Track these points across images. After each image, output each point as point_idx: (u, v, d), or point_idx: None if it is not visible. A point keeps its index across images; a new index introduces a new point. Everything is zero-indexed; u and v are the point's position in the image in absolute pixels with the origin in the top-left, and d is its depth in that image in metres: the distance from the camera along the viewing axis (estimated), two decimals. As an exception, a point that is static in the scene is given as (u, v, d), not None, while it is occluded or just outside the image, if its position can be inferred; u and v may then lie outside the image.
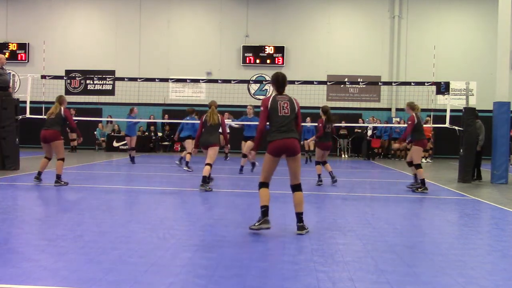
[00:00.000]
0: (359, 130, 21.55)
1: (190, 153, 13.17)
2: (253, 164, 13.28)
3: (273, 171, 5.83)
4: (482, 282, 4.09)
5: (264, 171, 5.80)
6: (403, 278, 4.09)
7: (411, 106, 10.27)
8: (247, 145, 13.03)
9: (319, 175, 10.78)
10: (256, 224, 5.70)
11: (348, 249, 5.08)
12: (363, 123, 21.24)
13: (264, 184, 5.80)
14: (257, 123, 12.36)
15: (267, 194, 5.77)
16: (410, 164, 10.29)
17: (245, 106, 14.97)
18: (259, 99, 23.27)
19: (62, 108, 9.68)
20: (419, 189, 9.79)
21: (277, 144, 5.66)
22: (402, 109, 22.11)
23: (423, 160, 20.25)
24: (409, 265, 4.51)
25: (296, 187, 5.83)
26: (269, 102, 5.76)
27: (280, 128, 5.69)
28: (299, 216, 5.84)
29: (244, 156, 12.99)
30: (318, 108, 13.12)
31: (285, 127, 5.70)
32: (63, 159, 9.56)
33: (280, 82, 5.90)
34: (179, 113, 22.32)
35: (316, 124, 12.37)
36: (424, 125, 19.20)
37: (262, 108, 5.81)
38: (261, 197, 5.76)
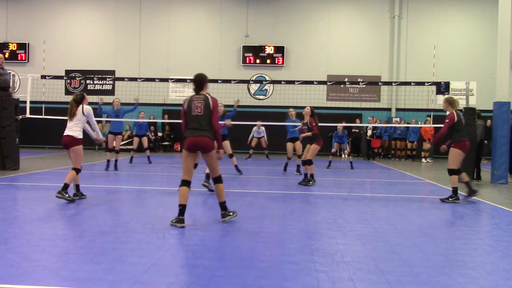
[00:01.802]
0: (357, 130, 21.57)
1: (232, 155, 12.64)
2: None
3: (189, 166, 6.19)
4: (482, 282, 4.09)
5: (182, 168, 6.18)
6: (403, 278, 4.09)
7: (450, 102, 8.80)
8: (292, 147, 13.25)
9: (312, 175, 10.75)
10: (173, 221, 6.01)
11: (348, 249, 5.08)
12: (360, 123, 21.24)
13: (184, 182, 6.12)
14: (296, 124, 12.49)
15: (185, 193, 6.06)
16: (449, 172, 8.91)
17: (245, 106, 15.00)
18: (259, 99, 23.32)
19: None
20: (450, 199, 8.65)
21: (188, 141, 6.08)
22: (402, 109, 22.15)
23: (423, 160, 20.28)
24: (409, 265, 4.50)
25: (216, 180, 6.28)
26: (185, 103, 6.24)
27: (191, 126, 6.10)
28: (222, 205, 6.31)
29: (289, 159, 13.31)
30: (318, 108, 13.19)
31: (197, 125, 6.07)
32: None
33: (197, 82, 6.39)
34: (179, 113, 22.36)
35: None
36: (424, 125, 19.43)
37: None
38: (180, 195, 6.06)
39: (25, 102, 13.83)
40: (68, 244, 5.00)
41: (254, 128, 18.98)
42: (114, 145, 13.42)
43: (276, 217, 6.83)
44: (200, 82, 6.37)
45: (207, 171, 8.95)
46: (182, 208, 5.97)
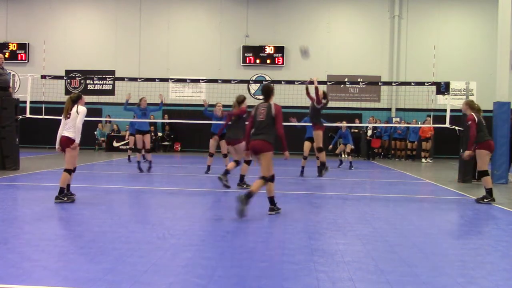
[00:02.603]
0: (356, 130, 21.57)
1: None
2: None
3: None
4: (482, 282, 4.09)
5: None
6: (403, 278, 4.09)
7: (470, 105, 8.84)
8: (309, 146, 12.93)
9: (323, 163, 11.04)
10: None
11: (348, 249, 5.08)
12: (360, 123, 21.24)
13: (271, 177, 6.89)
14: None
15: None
16: (480, 174, 8.76)
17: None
18: (259, 99, 23.27)
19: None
20: (484, 200, 8.49)
21: (250, 145, 6.93)
22: (402, 109, 22.15)
23: (423, 160, 20.27)
24: (409, 265, 4.51)
25: (269, 179, 6.83)
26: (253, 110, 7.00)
27: (253, 131, 6.93)
28: (271, 200, 6.93)
29: (305, 158, 12.87)
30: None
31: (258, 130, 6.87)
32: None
33: (264, 92, 7.07)
34: (179, 113, 22.38)
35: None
36: (424, 125, 19.43)
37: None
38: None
39: (25, 102, 13.81)
40: (68, 244, 5.00)
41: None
42: (138, 145, 13.09)
43: (276, 217, 6.83)
44: (267, 92, 7.06)
45: (229, 167, 9.45)
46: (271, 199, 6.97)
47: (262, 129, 6.82)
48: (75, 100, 7.85)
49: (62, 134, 7.73)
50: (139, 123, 13.09)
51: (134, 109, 13.28)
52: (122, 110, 13.23)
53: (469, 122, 8.54)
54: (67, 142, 7.67)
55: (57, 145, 7.84)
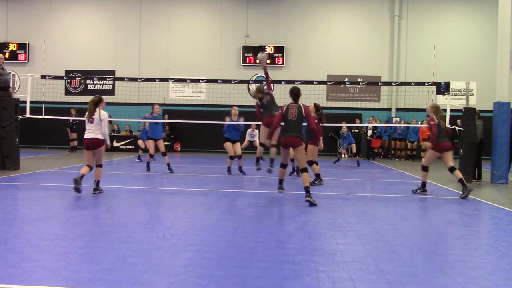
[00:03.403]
0: (356, 130, 21.57)
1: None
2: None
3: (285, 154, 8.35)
4: (482, 282, 4.09)
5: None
6: (403, 278, 4.09)
7: (435, 109, 9.76)
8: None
9: (318, 175, 10.68)
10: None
11: (348, 249, 5.08)
12: (360, 123, 21.24)
13: (282, 165, 8.43)
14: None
15: (283, 172, 8.52)
16: (422, 168, 9.88)
17: (245, 106, 14.96)
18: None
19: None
20: (418, 191, 9.65)
21: (282, 140, 8.10)
22: (402, 109, 22.15)
23: (423, 160, 20.26)
24: (409, 265, 4.51)
25: (302, 170, 8.03)
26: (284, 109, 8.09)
27: (286, 128, 8.03)
28: (306, 189, 7.75)
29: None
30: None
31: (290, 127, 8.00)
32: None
33: (294, 94, 8.09)
34: (179, 113, 22.38)
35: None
36: (424, 125, 19.41)
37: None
38: (279, 173, 8.60)
39: (25, 102, 13.81)
40: (68, 244, 5.00)
41: (248, 131, 18.51)
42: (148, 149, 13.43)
43: (276, 217, 6.84)
44: (297, 93, 8.10)
45: (258, 155, 10.26)
46: (280, 181, 8.51)
47: (294, 127, 7.92)
48: (96, 103, 8.52)
49: (90, 137, 8.51)
50: (152, 130, 13.25)
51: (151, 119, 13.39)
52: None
53: (431, 123, 9.62)
54: (96, 143, 8.52)
55: (85, 147, 8.69)
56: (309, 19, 23.47)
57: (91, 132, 8.48)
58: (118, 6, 23.91)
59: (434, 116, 9.59)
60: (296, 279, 4.01)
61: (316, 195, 9.25)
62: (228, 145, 12.93)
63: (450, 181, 12.21)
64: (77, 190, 8.24)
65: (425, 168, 9.74)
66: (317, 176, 10.68)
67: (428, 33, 22.98)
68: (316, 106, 10.89)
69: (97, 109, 8.46)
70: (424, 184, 9.65)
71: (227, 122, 13.27)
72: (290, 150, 8.38)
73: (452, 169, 9.45)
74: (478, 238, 6.00)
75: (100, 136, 8.50)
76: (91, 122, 8.45)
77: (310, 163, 10.63)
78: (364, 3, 23.39)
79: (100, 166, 8.73)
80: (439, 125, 9.54)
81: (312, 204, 7.61)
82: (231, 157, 12.90)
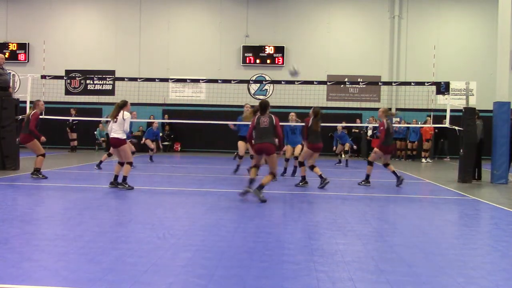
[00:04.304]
0: (357, 130, 21.56)
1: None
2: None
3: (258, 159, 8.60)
4: (482, 282, 4.09)
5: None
6: (403, 278, 4.09)
7: (385, 113, 10.95)
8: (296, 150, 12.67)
9: (303, 177, 10.54)
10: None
11: (348, 249, 5.08)
12: (360, 123, 21.23)
13: (254, 166, 8.65)
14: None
15: (254, 172, 8.49)
16: (368, 163, 11.21)
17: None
18: (259, 99, 23.25)
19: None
20: (362, 182, 10.86)
21: (256, 147, 8.46)
22: (402, 109, 22.14)
23: (423, 160, 20.28)
24: (409, 265, 4.51)
25: (271, 174, 8.36)
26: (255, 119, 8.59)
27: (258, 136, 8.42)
28: (262, 186, 8.05)
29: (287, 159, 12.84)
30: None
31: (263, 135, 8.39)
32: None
33: (262, 107, 8.54)
34: (179, 113, 22.39)
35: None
36: (424, 125, 19.43)
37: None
38: (251, 173, 8.59)
39: (25, 102, 13.79)
40: (68, 244, 5.00)
41: None
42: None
43: (276, 217, 6.84)
44: (265, 107, 8.54)
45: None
46: (251, 180, 8.28)
47: (267, 134, 8.33)
48: (121, 106, 9.34)
49: (112, 136, 9.29)
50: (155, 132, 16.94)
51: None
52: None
53: (381, 128, 10.62)
54: (117, 142, 9.23)
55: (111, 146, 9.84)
56: (309, 19, 23.47)
57: (114, 131, 9.23)
58: (118, 6, 23.91)
59: (384, 121, 10.60)
60: (296, 279, 4.01)
61: (316, 195, 9.26)
62: (241, 144, 12.67)
63: (450, 181, 12.21)
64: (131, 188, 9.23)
65: (370, 163, 11.02)
66: (303, 178, 10.50)
67: (428, 33, 22.98)
68: (315, 112, 10.43)
69: (122, 111, 9.25)
70: (368, 176, 10.92)
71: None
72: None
73: (386, 165, 11.03)
74: (478, 238, 5.99)
75: (120, 136, 9.19)
76: (115, 122, 9.21)
77: (300, 164, 10.58)
78: (364, 3, 23.39)
79: (129, 163, 9.40)
80: (388, 129, 10.61)
81: (262, 201, 7.90)
82: (240, 157, 12.80)
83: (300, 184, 10.49)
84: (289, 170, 12.74)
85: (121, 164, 9.48)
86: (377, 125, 20.25)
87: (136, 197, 8.80)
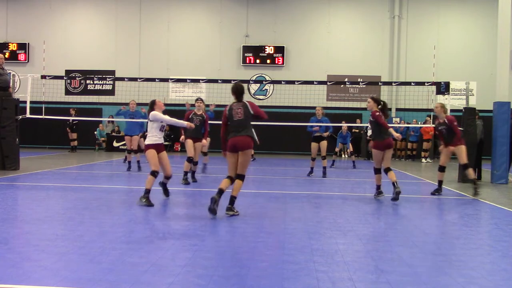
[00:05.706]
0: (357, 130, 21.56)
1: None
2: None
3: (233, 164, 6.86)
4: (482, 282, 4.09)
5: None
6: (403, 278, 4.09)
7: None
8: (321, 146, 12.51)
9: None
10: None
11: (348, 249, 5.08)
12: (360, 123, 21.24)
13: (228, 177, 6.88)
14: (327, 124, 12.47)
15: (226, 183, 6.81)
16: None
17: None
18: (259, 99, 23.31)
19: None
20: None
21: (230, 142, 6.86)
22: (402, 109, 22.15)
23: (423, 160, 20.28)
24: (409, 265, 4.51)
25: (240, 176, 6.82)
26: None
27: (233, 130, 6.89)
28: (232, 199, 6.71)
29: (313, 159, 12.66)
30: (318, 108, 13.08)
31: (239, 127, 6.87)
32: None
33: (238, 91, 7.25)
34: (179, 113, 22.36)
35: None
36: (424, 125, 19.43)
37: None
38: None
39: (25, 102, 13.82)
40: (68, 244, 5.00)
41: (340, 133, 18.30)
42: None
43: (276, 217, 6.84)
44: (240, 91, 7.29)
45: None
46: (219, 191, 6.63)
47: (243, 127, 6.88)
48: (150, 106, 8.67)
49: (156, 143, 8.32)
50: (128, 127, 13.73)
51: (123, 113, 13.91)
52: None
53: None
54: (144, 148, 8.28)
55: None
56: (309, 19, 23.46)
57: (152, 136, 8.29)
58: (118, 6, 23.90)
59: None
60: (296, 279, 4.01)
61: (316, 195, 9.26)
62: (314, 145, 12.50)
63: (450, 181, 12.21)
64: (165, 192, 8.40)
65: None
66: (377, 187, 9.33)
67: (428, 33, 22.98)
68: (377, 100, 9.67)
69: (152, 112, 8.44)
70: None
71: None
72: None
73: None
74: (478, 238, 5.99)
75: (146, 141, 8.15)
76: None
77: (376, 170, 9.51)
78: (364, 3, 23.38)
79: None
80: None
81: (234, 215, 6.71)
82: (313, 159, 12.62)
83: (375, 196, 9.12)
84: (318, 172, 12.56)
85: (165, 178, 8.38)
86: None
87: (136, 197, 8.80)
